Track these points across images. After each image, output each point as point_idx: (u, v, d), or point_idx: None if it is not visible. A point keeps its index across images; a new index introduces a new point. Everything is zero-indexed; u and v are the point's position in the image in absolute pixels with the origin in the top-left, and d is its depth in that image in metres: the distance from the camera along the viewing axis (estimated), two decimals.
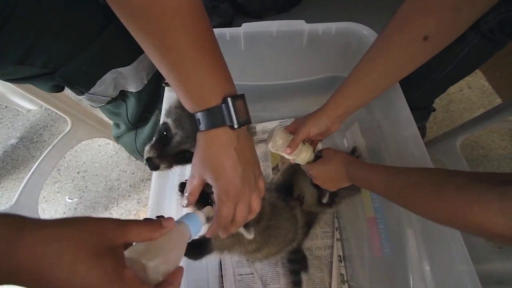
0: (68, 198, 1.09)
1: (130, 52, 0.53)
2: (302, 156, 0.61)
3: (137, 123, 0.72)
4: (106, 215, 1.05)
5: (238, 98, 0.39)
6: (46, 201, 1.09)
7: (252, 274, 0.85)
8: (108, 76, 0.52)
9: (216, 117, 0.37)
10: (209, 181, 0.40)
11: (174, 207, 0.59)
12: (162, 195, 0.57)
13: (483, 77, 1.32)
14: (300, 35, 0.74)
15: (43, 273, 0.22)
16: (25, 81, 0.48)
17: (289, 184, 0.81)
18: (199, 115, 0.38)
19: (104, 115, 1.27)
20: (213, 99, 0.37)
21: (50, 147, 0.89)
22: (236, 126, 0.38)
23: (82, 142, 1.19)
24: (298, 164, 0.66)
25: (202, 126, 0.38)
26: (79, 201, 1.09)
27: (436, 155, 0.99)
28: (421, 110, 0.94)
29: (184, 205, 0.42)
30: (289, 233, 0.72)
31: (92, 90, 0.52)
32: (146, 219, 0.35)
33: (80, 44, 0.45)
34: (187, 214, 0.39)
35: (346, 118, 0.60)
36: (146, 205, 1.06)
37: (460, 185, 0.35)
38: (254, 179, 0.43)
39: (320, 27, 0.72)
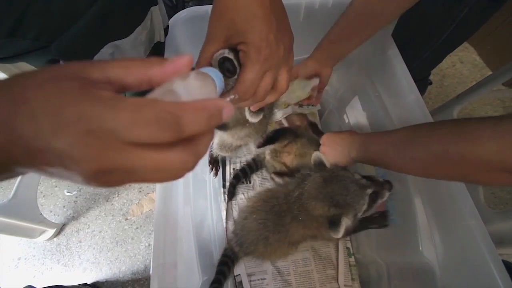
0: (67, 192, 1.07)
1: (127, 23, 0.51)
2: (296, 94, 0.64)
3: None
4: (107, 206, 1.04)
5: None
6: (44, 196, 1.07)
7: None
8: (105, 51, 0.50)
9: None
10: (236, 38, 0.31)
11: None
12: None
13: (475, 51, 1.34)
14: (297, 9, 0.73)
15: (23, 136, 0.17)
16: (17, 59, 0.46)
17: None
18: None
19: None
20: None
21: None
22: None
23: None
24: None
25: None
26: (79, 193, 1.07)
27: None
28: (419, 82, 0.95)
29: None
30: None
31: None
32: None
33: (73, 14, 0.43)
34: (205, 68, 0.29)
35: (336, 62, 0.63)
36: (148, 193, 1.05)
37: (455, 123, 0.37)
38: (288, 47, 0.34)
39: (317, 0, 0.71)
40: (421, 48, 0.76)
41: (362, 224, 0.61)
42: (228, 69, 0.31)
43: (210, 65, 0.32)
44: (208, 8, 0.68)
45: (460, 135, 0.35)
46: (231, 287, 0.80)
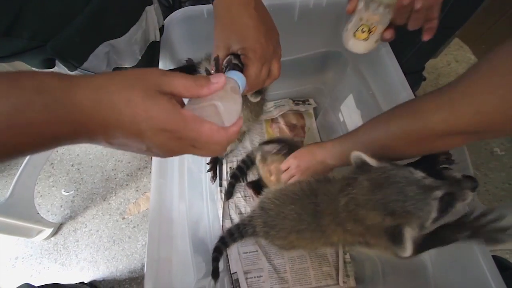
0: (64, 191, 1.07)
1: (122, 22, 0.51)
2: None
3: None
4: (104, 205, 1.04)
5: None
6: (41, 195, 1.07)
7: (257, 251, 0.86)
8: (101, 50, 0.50)
9: None
10: (235, 45, 0.40)
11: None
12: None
13: (470, 50, 1.35)
14: (292, 9, 0.74)
15: (106, 119, 0.24)
16: (13, 58, 0.47)
17: None
18: None
19: None
20: None
21: None
22: None
23: None
24: None
25: None
26: (76, 193, 1.07)
27: None
28: (414, 75, 0.95)
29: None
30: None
31: (85, 65, 0.50)
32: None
33: (69, 13, 0.44)
34: (229, 72, 0.38)
35: None
36: (145, 192, 1.05)
37: (405, 104, 0.44)
38: (275, 41, 0.44)
39: None
40: (417, 33, 0.75)
41: (445, 234, 0.44)
42: (235, 63, 0.41)
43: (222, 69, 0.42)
44: (204, 8, 0.68)
45: (409, 114, 0.41)
46: (228, 285, 0.81)
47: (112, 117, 0.24)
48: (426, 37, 0.49)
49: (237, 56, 0.42)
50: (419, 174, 0.42)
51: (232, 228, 0.71)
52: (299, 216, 0.54)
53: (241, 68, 0.41)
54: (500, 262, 0.60)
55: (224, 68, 0.41)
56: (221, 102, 0.30)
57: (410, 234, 0.40)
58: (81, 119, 0.23)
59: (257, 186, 0.86)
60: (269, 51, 0.41)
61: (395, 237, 0.40)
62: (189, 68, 0.60)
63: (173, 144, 0.27)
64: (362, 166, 0.46)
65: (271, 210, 0.59)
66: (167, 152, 0.28)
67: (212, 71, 0.41)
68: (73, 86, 0.23)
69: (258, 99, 0.51)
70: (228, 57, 0.41)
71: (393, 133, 0.43)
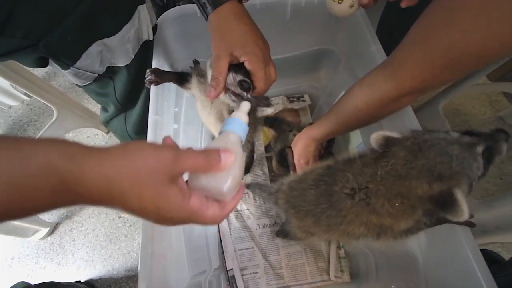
0: None
1: (115, 21, 0.52)
2: None
3: (126, 103, 0.71)
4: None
5: None
6: None
7: (253, 248, 0.87)
8: (94, 49, 0.51)
9: None
10: (237, 52, 0.43)
11: None
12: None
13: None
14: (284, 7, 0.74)
15: (116, 204, 0.25)
16: (6, 57, 0.47)
17: None
18: None
19: (90, 104, 1.24)
20: None
21: (37, 137, 0.87)
22: None
23: (70, 134, 1.16)
24: None
25: (210, 8, 0.43)
26: None
27: (421, 121, 1.03)
28: None
29: (212, 95, 0.44)
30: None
31: (78, 64, 0.51)
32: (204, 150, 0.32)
33: (61, 13, 0.44)
34: (230, 120, 0.35)
35: None
36: None
37: (359, 82, 0.51)
38: (268, 48, 0.47)
39: None
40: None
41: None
42: (246, 87, 0.44)
43: (228, 83, 0.45)
44: (197, 6, 0.69)
45: (367, 88, 0.49)
46: (224, 282, 0.81)
47: (123, 206, 0.25)
48: (403, 4, 0.50)
49: (240, 70, 0.44)
50: (453, 133, 0.41)
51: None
52: (317, 199, 0.52)
53: (248, 83, 0.43)
54: (490, 256, 0.61)
55: (232, 86, 0.44)
56: (227, 184, 0.30)
57: (463, 196, 0.37)
58: (91, 202, 0.24)
59: (283, 160, 0.85)
60: (267, 53, 0.45)
61: (446, 203, 0.37)
62: (182, 75, 0.60)
63: (178, 224, 0.30)
64: (387, 144, 0.43)
65: (295, 190, 0.59)
66: (173, 226, 0.32)
67: (212, 83, 0.44)
68: (84, 172, 0.23)
69: (273, 109, 0.53)
70: (230, 75, 0.44)
71: (358, 105, 0.51)
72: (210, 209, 0.30)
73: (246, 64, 0.43)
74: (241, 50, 0.43)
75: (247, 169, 0.94)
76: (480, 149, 0.39)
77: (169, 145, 0.30)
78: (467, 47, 0.34)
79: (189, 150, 0.29)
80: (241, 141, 0.35)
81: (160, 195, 0.26)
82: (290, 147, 0.76)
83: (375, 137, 0.44)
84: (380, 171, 0.42)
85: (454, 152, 0.38)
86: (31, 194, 0.21)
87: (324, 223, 0.51)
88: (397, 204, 0.41)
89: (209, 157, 0.29)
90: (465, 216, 0.36)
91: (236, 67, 0.45)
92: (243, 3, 0.46)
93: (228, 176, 0.30)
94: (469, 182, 0.39)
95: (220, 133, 0.35)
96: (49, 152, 0.22)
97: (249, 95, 0.44)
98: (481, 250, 0.45)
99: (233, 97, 0.45)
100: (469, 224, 0.46)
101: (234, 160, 0.30)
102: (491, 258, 0.60)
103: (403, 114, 0.57)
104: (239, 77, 0.44)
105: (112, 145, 0.25)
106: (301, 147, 0.70)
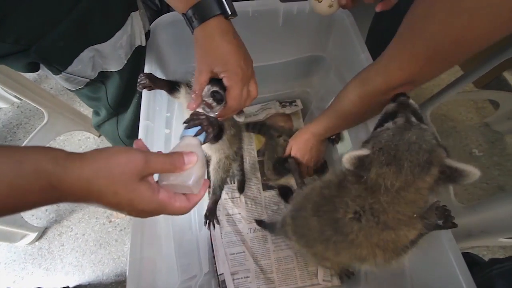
0: None
1: (107, 27, 0.52)
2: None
3: (117, 107, 0.71)
4: (91, 209, 1.03)
5: None
6: None
7: (244, 252, 0.87)
8: (86, 54, 0.51)
9: (209, 8, 0.43)
10: (218, 69, 0.44)
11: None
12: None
13: None
14: (276, 15, 0.76)
15: (95, 202, 0.29)
16: None
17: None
18: (190, 12, 0.43)
19: (82, 107, 1.23)
20: None
21: (27, 140, 0.86)
22: (229, 13, 0.44)
23: (61, 137, 1.15)
24: None
25: (196, 23, 0.44)
26: None
27: None
28: None
29: (194, 106, 0.46)
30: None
31: (69, 69, 0.51)
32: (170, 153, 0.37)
33: (54, 19, 0.44)
34: (188, 128, 0.42)
35: None
36: None
37: (355, 77, 0.54)
38: (252, 66, 0.48)
39: (295, 6, 0.74)
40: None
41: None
42: (218, 98, 0.46)
43: (203, 94, 0.47)
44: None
45: (360, 83, 0.52)
46: (215, 287, 0.81)
47: (101, 202, 0.29)
48: (378, 8, 0.52)
49: (218, 83, 0.46)
50: (397, 123, 0.44)
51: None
52: (321, 227, 0.52)
53: (221, 95, 0.46)
54: (472, 258, 0.63)
55: (205, 96, 0.46)
56: (192, 179, 0.35)
57: (456, 161, 0.40)
58: (73, 199, 0.29)
59: (285, 194, 0.90)
60: (248, 73, 0.46)
61: (451, 175, 0.40)
62: (173, 84, 0.62)
63: (150, 215, 0.34)
64: (361, 163, 0.44)
65: (297, 219, 0.61)
66: (142, 217, 0.35)
67: (193, 95, 0.46)
68: (67, 173, 0.27)
69: (243, 118, 0.54)
70: (208, 86, 0.46)
71: (353, 99, 0.54)
72: (178, 201, 0.34)
73: (224, 81, 0.45)
74: (222, 68, 0.44)
75: (241, 188, 0.95)
76: (413, 118, 0.43)
77: (140, 148, 0.35)
78: (445, 39, 0.36)
79: (158, 154, 0.34)
80: (201, 143, 0.41)
81: (132, 191, 0.30)
82: (294, 157, 0.78)
83: (347, 158, 0.44)
84: (384, 197, 0.42)
85: (413, 137, 0.41)
86: (23, 193, 0.25)
87: (332, 248, 0.52)
88: (409, 210, 0.43)
89: (175, 160, 0.34)
90: (477, 173, 0.38)
91: (216, 81, 0.47)
92: (231, 19, 0.47)
93: (192, 174, 0.35)
94: (443, 146, 0.43)
95: (182, 137, 0.41)
96: (39, 158, 0.26)
97: (220, 107, 0.46)
98: (463, 253, 0.47)
99: (206, 108, 0.46)
100: (451, 226, 0.47)
101: (196, 160, 0.35)
102: (472, 261, 0.61)
103: None
104: (213, 88, 0.46)
105: (91, 150, 0.30)
106: (301, 141, 0.74)
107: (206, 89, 0.46)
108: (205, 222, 0.84)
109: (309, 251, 0.62)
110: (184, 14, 0.45)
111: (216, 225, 0.88)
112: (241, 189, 0.94)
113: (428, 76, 0.45)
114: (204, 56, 0.45)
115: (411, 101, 0.46)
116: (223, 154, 0.75)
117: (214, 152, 0.76)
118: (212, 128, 0.45)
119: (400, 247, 0.46)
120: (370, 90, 0.50)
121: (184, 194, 0.36)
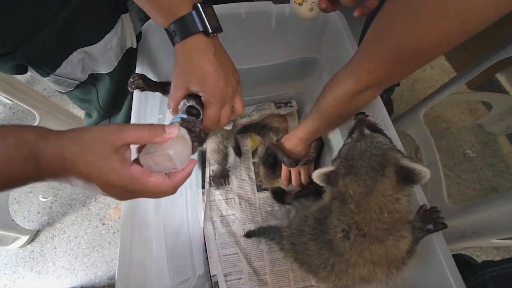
0: (42, 197, 1.05)
1: (96, 29, 0.52)
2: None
3: (109, 109, 0.70)
4: (84, 211, 1.03)
5: (207, 5, 0.42)
6: (17, 202, 1.04)
7: (237, 253, 0.87)
8: (75, 57, 0.50)
9: (190, 24, 0.41)
10: (195, 88, 0.43)
11: None
12: None
13: (443, 57, 1.42)
14: (269, 16, 0.76)
15: (69, 172, 0.29)
16: None
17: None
18: (172, 27, 0.41)
19: (75, 109, 1.22)
20: (184, 7, 0.40)
21: None
22: (210, 31, 0.41)
23: None
24: None
25: (177, 38, 0.42)
26: (54, 199, 1.05)
27: (403, 128, 1.06)
28: None
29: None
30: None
31: (58, 72, 0.50)
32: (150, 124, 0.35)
33: (41, 21, 0.43)
34: (181, 115, 0.42)
35: None
36: None
37: (328, 83, 0.55)
38: (235, 83, 0.47)
39: (287, 8, 0.74)
40: None
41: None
42: (194, 113, 0.44)
43: (179, 108, 0.45)
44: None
45: (333, 86, 0.53)
46: None
47: (73, 172, 0.29)
48: (356, 13, 0.52)
49: (195, 97, 0.44)
50: (353, 136, 0.50)
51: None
52: (319, 250, 0.53)
53: (197, 110, 0.44)
54: (464, 260, 0.63)
55: (181, 111, 0.45)
56: (173, 149, 0.32)
57: (410, 161, 0.42)
58: (50, 171, 0.29)
59: (279, 196, 0.89)
60: (228, 93, 0.44)
61: (409, 175, 0.41)
62: (165, 84, 0.61)
63: (124, 194, 0.33)
64: (329, 178, 0.48)
65: (297, 245, 0.60)
66: (121, 198, 0.34)
67: (171, 110, 0.45)
68: (46, 143, 0.29)
69: (230, 127, 0.55)
70: (185, 100, 0.45)
71: (330, 102, 0.55)
72: (153, 176, 0.32)
73: (202, 100, 0.44)
74: (198, 88, 0.43)
75: (239, 152, 0.99)
76: (366, 130, 0.49)
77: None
78: (406, 46, 0.39)
79: (134, 124, 0.34)
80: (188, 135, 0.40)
81: (103, 160, 0.29)
82: (274, 143, 0.79)
83: (316, 176, 0.48)
84: (352, 205, 0.45)
85: (363, 146, 0.46)
86: (6, 163, 0.27)
87: (333, 271, 0.52)
88: (385, 215, 0.43)
89: (154, 129, 0.32)
90: (427, 172, 0.40)
91: (193, 95, 0.45)
92: (217, 36, 0.45)
93: (173, 145, 0.33)
94: (395, 148, 0.47)
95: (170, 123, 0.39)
96: (22, 131, 0.28)
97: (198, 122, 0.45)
98: (456, 254, 0.47)
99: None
100: (441, 227, 0.47)
101: (178, 131, 0.33)
102: (465, 262, 0.61)
103: (373, 106, 0.61)
104: (189, 103, 0.44)
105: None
106: (290, 147, 0.74)
107: (181, 103, 0.45)
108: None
109: (314, 277, 0.62)
110: (166, 29, 0.43)
111: (210, 226, 0.88)
112: (239, 153, 0.99)
113: (398, 78, 0.48)
114: (181, 74, 0.43)
115: (368, 117, 0.52)
116: (218, 143, 0.78)
117: (209, 142, 0.78)
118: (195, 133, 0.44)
119: (395, 259, 0.46)
120: (342, 92, 0.51)
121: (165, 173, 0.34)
